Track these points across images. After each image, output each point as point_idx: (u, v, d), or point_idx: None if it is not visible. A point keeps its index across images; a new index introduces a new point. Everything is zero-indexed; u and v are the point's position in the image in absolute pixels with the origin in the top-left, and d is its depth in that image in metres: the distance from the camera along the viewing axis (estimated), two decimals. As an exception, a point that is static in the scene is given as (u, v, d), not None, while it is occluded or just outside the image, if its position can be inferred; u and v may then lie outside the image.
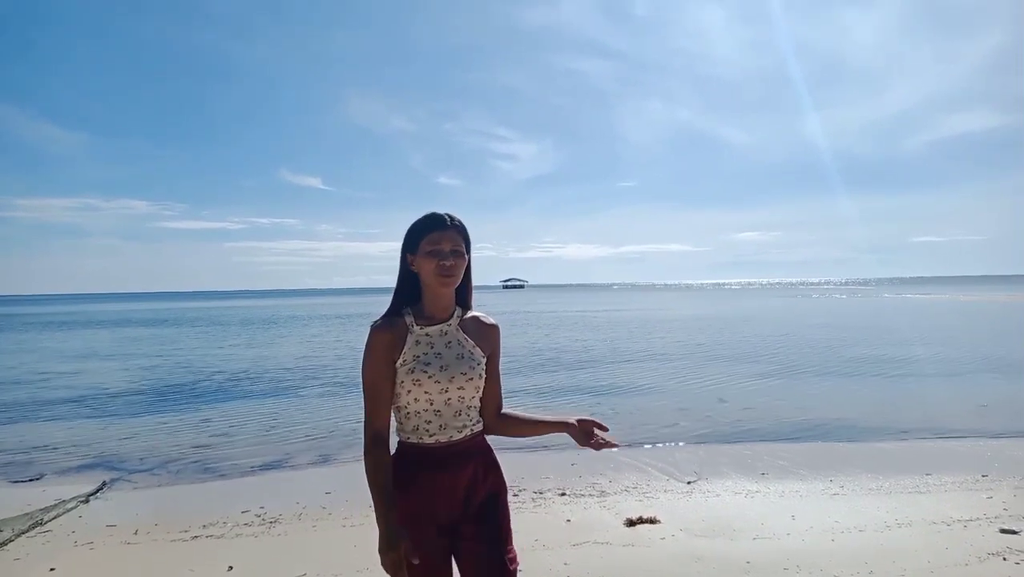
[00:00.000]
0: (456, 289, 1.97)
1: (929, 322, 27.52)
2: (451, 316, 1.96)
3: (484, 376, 1.96)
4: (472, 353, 1.94)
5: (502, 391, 2.12)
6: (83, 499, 5.72)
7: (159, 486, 6.34)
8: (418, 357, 1.88)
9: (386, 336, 1.90)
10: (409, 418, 1.90)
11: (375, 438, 1.88)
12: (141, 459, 7.30)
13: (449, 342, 1.93)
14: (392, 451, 1.91)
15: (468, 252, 1.97)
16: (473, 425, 1.95)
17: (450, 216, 1.93)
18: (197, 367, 16.38)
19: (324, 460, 7.13)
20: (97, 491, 6.01)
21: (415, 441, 1.90)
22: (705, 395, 10.78)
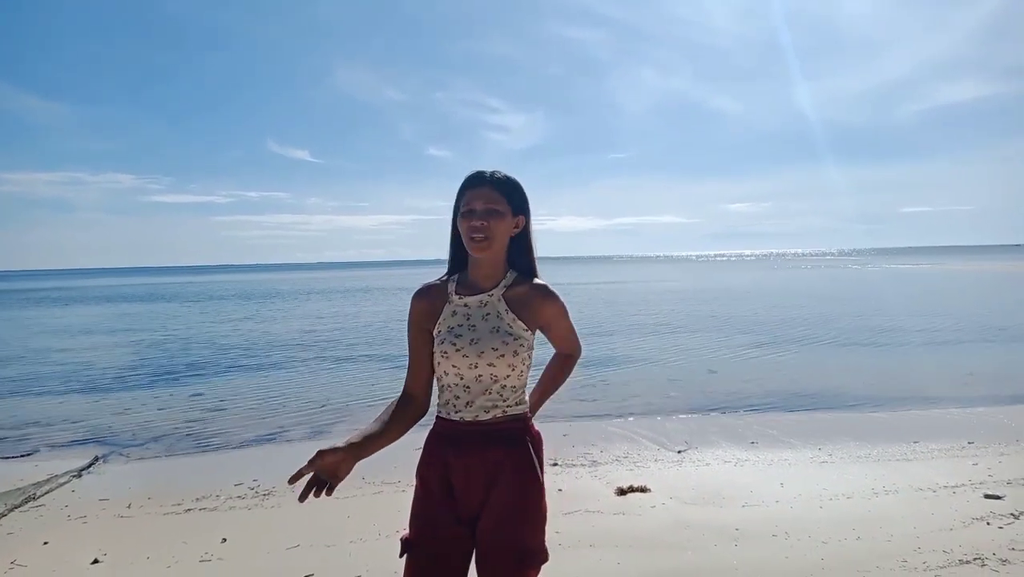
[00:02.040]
0: (511, 254, 1.84)
1: (918, 292, 27.73)
2: (496, 285, 1.81)
3: (524, 354, 1.78)
4: (511, 328, 1.76)
5: (574, 341, 2.02)
6: (76, 473, 5.73)
7: (152, 460, 6.35)
8: (452, 328, 1.77)
9: (421, 304, 1.84)
10: (443, 391, 1.81)
11: (403, 396, 1.86)
12: (133, 433, 7.30)
13: (487, 314, 1.78)
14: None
15: (520, 211, 1.81)
16: (507, 407, 1.77)
17: (493, 172, 1.79)
18: (188, 342, 16.34)
19: (317, 433, 7.15)
20: (90, 465, 6.02)
21: (444, 416, 1.81)
22: (696, 366, 10.86)
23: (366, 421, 1.83)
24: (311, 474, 1.64)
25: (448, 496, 1.76)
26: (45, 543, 4.07)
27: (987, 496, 4.36)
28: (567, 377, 2.08)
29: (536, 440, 1.83)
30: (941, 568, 3.31)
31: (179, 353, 14.28)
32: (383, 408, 1.85)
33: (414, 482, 1.84)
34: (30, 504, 4.88)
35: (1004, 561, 3.36)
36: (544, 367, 2.05)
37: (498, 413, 1.77)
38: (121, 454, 6.51)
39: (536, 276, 1.87)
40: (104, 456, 6.40)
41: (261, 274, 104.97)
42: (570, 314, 1.93)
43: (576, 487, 4.85)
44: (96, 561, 3.74)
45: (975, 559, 3.39)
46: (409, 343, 1.87)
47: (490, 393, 1.76)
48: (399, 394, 1.88)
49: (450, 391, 1.79)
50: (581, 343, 2.06)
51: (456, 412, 1.78)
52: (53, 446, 6.89)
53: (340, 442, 1.68)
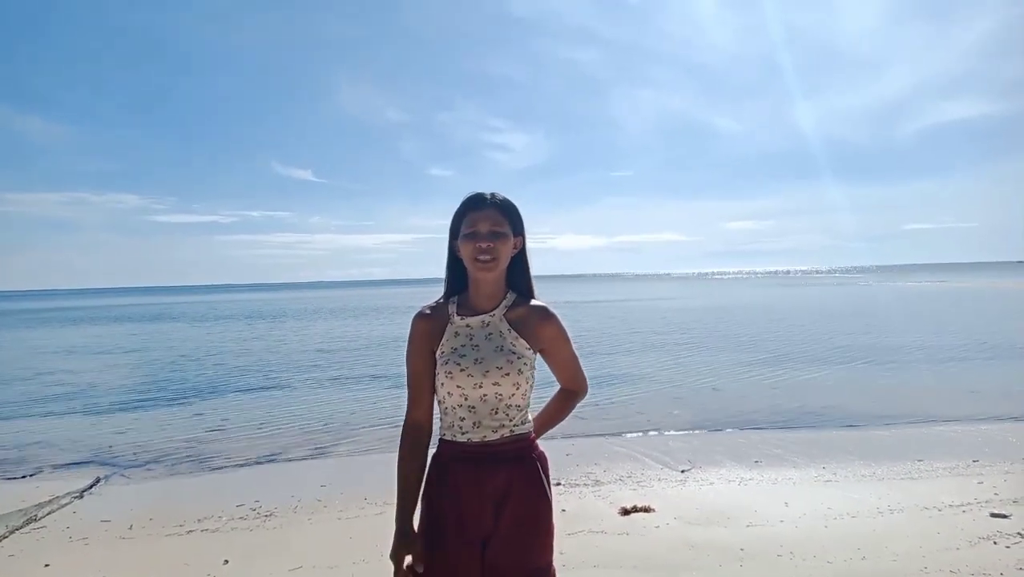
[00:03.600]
0: (510, 275, 1.85)
1: (920, 309, 27.67)
2: (497, 305, 1.82)
3: (528, 373, 1.78)
4: (514, 347, 1.77)
5: (579, 376, 1.97)
6: (77, 495, 5.71)
7: (154, 481, 6.33)
8: (455, 349, 1.77)
9: (425, 325, 1.82)
10: (446, 413, 1.80)
11: (410, 431, 1.83)
12: (135, 454, 7.28)
13: (490, 334, 1.78)
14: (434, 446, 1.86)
15: (518, 232, 1.82)
16: (514, 426, 1.78)
17: (492, 194, 1.80)
18: (190, 362, 16.33)
19: (319, 453, 7.13)
20: (91, 487, 6.00)
21: (450, 438, 1.79)
22: (699, 384, 10.82)
23: (400, 491, 1.81)
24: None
25: (457, 518, 1.75)
26: (47, 565, 4.05)
27: (993, 515, 4.33)
28: (568, 414, 2.03)
29: (542, 459, 1.84)
30: (948, 588, 3.29)
31: (181, 373, 14.27)
32: (400, 465, 1.82)
33: (420, 505, 1.83)
34: (31, 525, 4.86)
35: (1011, 581, 3.33)
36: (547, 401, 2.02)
37: (505, 433, 1.77)
38: (123, 475, 6.50)
39: (534, 296, 1.88)
40: (106, 477, 6.38)
41: (263, 293, 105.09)
42: (572, 343, 1.92)
43: (579, 507, 4.82)
44: (97, 583, 3.72)
45: (982, 579, 3.37)
46: (410, 368, 1.84)
47: (496, 413, 1.75)
48: (405, 430, 1.84)
49: (454, 413, 1.78)
50: (587, 380, 2.01)
51: (463, 433, 1.77)
52: (55, 467, 6.88)
53: (407, 530, 1.77)
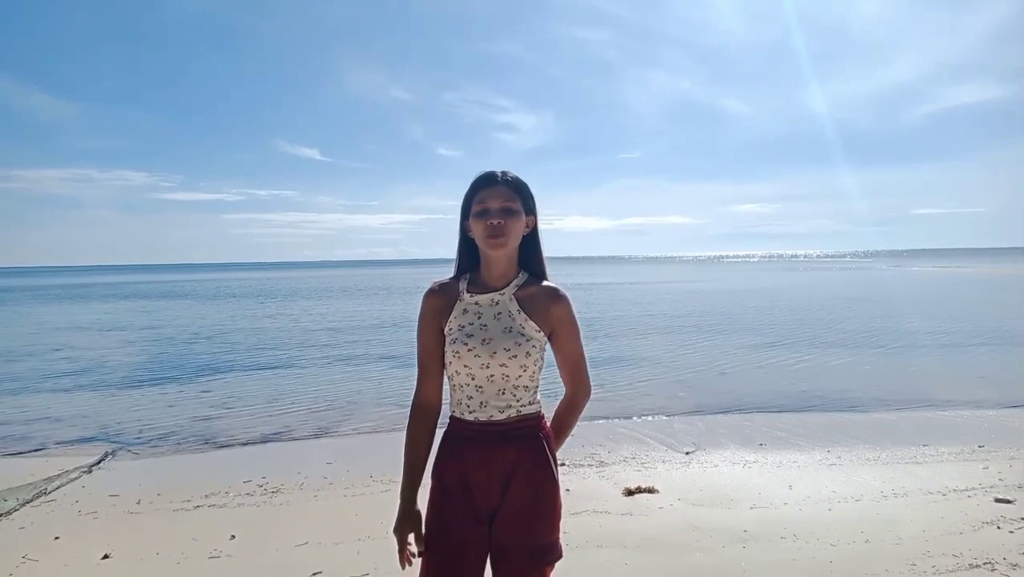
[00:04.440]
0: (522, 255, 1.83)
1: (929, 294, 27.56)
2: (508, 284, 1.80)
3: (536, 355, 1.77)
4: (523, 328, 1.75)
5: (584, 376, 1.90)
6: (86, 469, 5.77)
7: (161, 456, 6.38)
8: (463, 327, 1.76)
9: (434, 301, 1.82)
10: (455, 391, 1.81)
11: (419, 409, 1.84)
12: (143, 430, 7.34)
13: (499, 313, 1.77)
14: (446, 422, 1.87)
15: (530, 211, 1.81)
16: (521, 406, 1.77)
17: (504, 172, 1.78)
18: (197, 339, 16.42)
19: (325, 431, 7.18)
20: (100, 461, 6.06)
21: (458, 416, 1.80)
22: (704, 367, 10.82)
23: (406, 469, 1.82)
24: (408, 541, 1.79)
25: (465, 495, 1.76)
26: (56, 538, 4.10)
27: (998, 500, 4.33)
28: (575, 421, 1.96)
29: (550, 438, 1.84)
30: (950, 572, 3.29)
31: (189, 350, 14.36)
32: (408, 445, 1.82)
33: (429, 482, 1.84)
34: (41, 499, 4.92)
35: (1014, 565, 3.34)
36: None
37: (512, 413, 1.77)
38: (131, 450, 6.55)
39: (547, 277, 1.87)
40: (114, 452, 6.44)
41: (270, 272, 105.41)
42: (582, 340, 1.87)
43: (584, 487, 4.85)
44: (106, 556, 3.76)
45: (985, 563, 3.37)
46: (420, 343, 1.84)
47: (503, 394, 1.75)
48: (414, 406, 1.85)
49: (462, 391, 1.78)
50: (591, 383, 1.95)
51: (470, 412, 1.77)
52: (63, 442, 6.94)
53: (409, 509, 1.80)
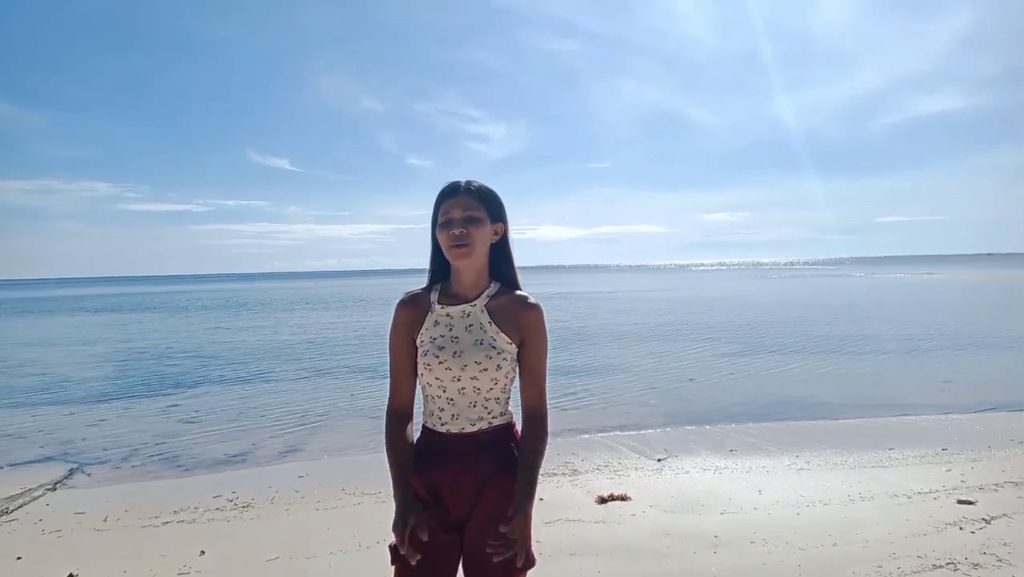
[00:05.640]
0: (493, 264, 1.83)
1: (894, 301, 28.11)
2: (479, 295, 1.80)
3: (508, 368, 1.76)
4: (494, 340, 1.75)
5: (540, 393, 1.81)
6: (50, 487, 5.64)
7: (129, 473, 6.25)
8: (434, 339, 1.77)
9: (406, 312, 1.82)
10: (427, 401, 1.82)
11: (394, 416, 1.83)
12: (109, 446, 7.19)
13: (470, 325, 1.77)
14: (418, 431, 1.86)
15: (498, 219, 1.80)
16: (492, 418, 1.79)
17: (468, 182, 1.78)
18: (164, 353, 16.15)
19: (296, 445, 7.09)
20: (64, 479, 5.93)
21: (430, 426, 1.82)
22: (676, 375, 10.92)
23: (393, 469, 1.77)
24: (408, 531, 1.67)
25: (436, 504, 1.77)
26: (19, 558, 4.01)
27: (960, 501, 4.44)
28: (545, 448, 1.83)
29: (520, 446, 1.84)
30: (915, 573, 3.37)
31: (158, 365, 14.11)
32: (390, 448, 1.79)
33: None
34: (3, 518, 4.80)
35: (976, 565, 3.42)
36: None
37: (483, 425, 1.78)
38: (97, 467, 6.42)
39: (519, 287, 1.87)
40: (80, 469, 6.31)
41: (240, 284, 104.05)
42: (546, 360, 1.84)
43: (557, 496, 4.86)
44: (71, 576, 3.69)
45: (947, 564, 3.45)
46: (392, 354, 1.85)
47: (475, 406, 1.77)
48: (389, 417, 1.84)
49: (434, 402, 1.80)
50: (548, 411, 1.85)
51: (442, 424, 1.79)
52: (26, 460, 6.77)
53: (407, 500, 1.70)
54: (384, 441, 1.82)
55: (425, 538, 1.64)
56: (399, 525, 1.66)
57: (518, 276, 1.89)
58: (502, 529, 1.66)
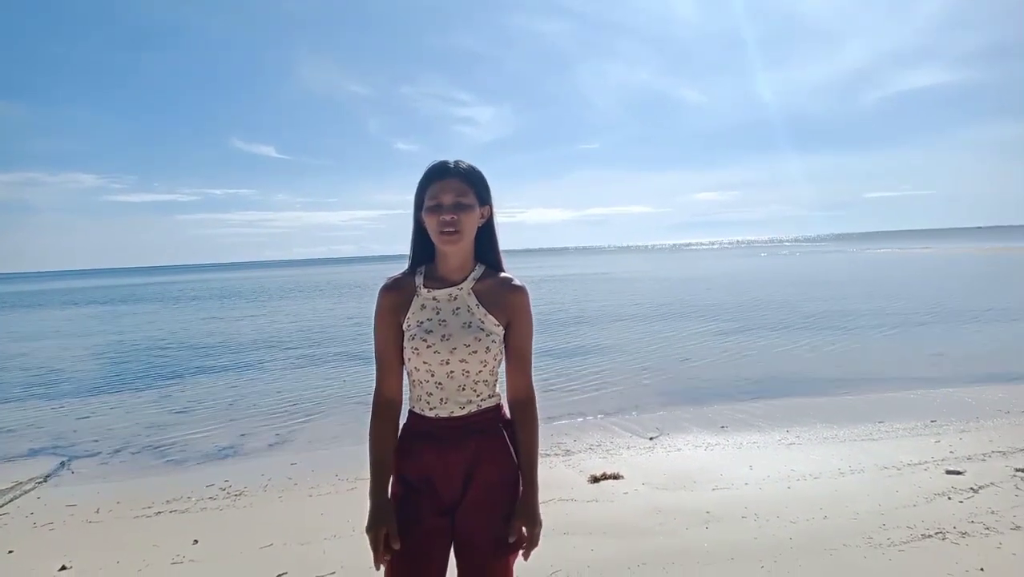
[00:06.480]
0: (478, 246, 1.81)
1: (884, 276, 28.28)
2: (465, 278, 1.78)
3: (496, 349, 1.76)
4: (482, 323, 1.74)
5: (526, 377, 1.82)
6: (40, 480, 5.62)
7: (120, 464, 6.24)
8: (421, 323, 1.74)
9: (391, 297, 1.79)
10: (414, 386, 1.80)
11: (382, 405, 1.81)
12: (100, 438, 7.16)
13: (457, 308, 1.75)
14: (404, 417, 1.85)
15: (485, 202, 1.77)
16: (481, 401, 1.78)
17: (456, 162, 1.74)
18: (157, 345, 16.07)
19: (288, 433, 7.08)
20: (56, 471, 5.91)
21: (418, 411, 1.80)
22: (667, 354, 10.96)
23: (373, 468, 1.78)
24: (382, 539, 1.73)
25: (427, 489, 1.76)
26: (10, 552, 3.99)
27: (948, 472, 4.48)
28: (538, 433, 1.86)
29: (510, 428, 1.84)
30: (905, 543, 3.40)
31: (148, 356, 14.04)
32: (372, 443, 1.79)
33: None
34: (-6, 513, 4.78)
35: (964, 534, 3.46)
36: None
37: (472, 408, 1.77)
38: (88, 459, 6.40)
39: (503, 269, 1.85)
40: (71, 461, 6.29)
41: (230, 273, 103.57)
42: (532, 340, 1.84)
43: (550, 476, 4.88)
44: (64, 568, 3.68)
45: (936, 533, 3.49)
46: (377, 341, 1.82)
47: (464, 390, 1.75)
48: (375, 404, 1.82)
49: (422, 387, 1.78)
50: (535, 392, 1.86)
51: (431, 409, 1.77)
52: (16, 453, 6.74)
53: (382, 505, 1.75)
54: (368, 433, 1.81)
55: (397, 547, 1.70)
56: (371, 533, 1.72)
57: (502, 258, 1.87)
58: (524, 530, 1.75)
